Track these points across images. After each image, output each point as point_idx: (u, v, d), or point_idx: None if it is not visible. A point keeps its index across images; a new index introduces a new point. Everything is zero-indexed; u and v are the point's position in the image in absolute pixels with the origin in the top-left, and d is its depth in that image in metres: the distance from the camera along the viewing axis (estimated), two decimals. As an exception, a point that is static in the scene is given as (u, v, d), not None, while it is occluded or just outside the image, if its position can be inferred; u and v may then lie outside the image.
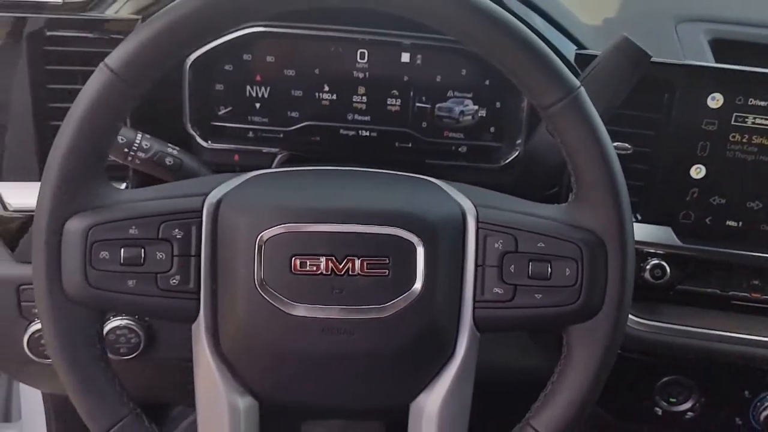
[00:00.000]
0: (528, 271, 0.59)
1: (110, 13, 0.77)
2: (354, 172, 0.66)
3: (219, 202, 0.59)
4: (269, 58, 0.82)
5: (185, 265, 0.58)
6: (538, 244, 0.58)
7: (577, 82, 0.60)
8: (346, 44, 0.81)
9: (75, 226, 0.56)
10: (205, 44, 0.77)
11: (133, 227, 0.56)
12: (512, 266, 0.59)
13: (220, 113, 0.84)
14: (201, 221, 0.58)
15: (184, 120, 0.82)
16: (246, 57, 0.82)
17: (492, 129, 0.87)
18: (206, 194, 0.59)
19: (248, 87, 0.83)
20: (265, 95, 0.84)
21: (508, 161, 0.86)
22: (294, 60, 0.82)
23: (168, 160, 0.73)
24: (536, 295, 0.59)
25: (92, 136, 0.56)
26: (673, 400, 0.87)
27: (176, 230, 0.57)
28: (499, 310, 0.60)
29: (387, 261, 0.57)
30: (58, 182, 0.55)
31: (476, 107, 0.85)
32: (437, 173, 0.68)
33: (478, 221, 0.59)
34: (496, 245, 0.58)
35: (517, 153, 0.86)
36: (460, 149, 0.88)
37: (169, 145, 0.75)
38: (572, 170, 0.58)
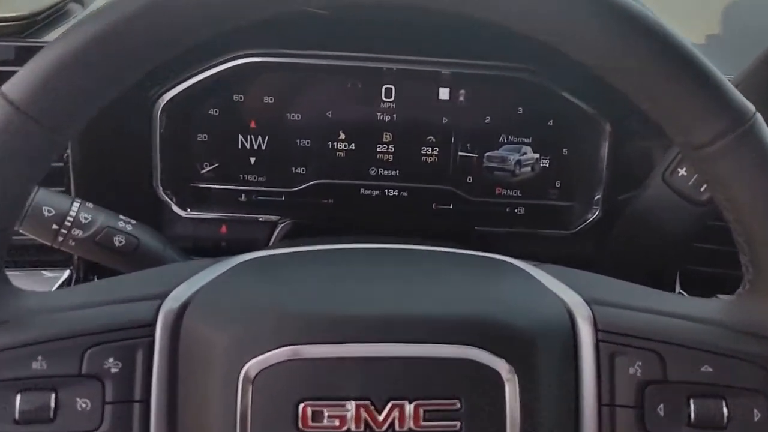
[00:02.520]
0: (689, 413, 0.38)
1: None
2: (390, 252, 0.48)
3: (183, 308, 0.40)
4: (267, 99, 0.68)
5: (124, 419, 0.37)
6: (702, 368, 0.39)
7: (752, 107, 0.39)
8: (367, 77, 0.68)
9: None
10: (177, 79, 0.64)
11: (39, 358, 0.36)
12: (661, 406, 0.38)
13: (203, 172, 0.70)
14: (153, 342, 0.38)
15: (155, 182, 0.67)
16: (237, 98, 0.68)
17: (558, 183, 0.72)
18: (164, 296, 0.40)
19: (240, 137, 0.69)
20: (263, 146, 0.70)
21: (582, 226, 0.70)
22: (299, 100, 0.68)
23: (118, 240, 0.52)
24: None
25: None
26: None
27: (110, 360, 0.37)
28: None
29: (458, 405, 0.37)
30: None
31: (537, 155, 0.71)
32: (488, 244, 0.57)
33: (596, 329, 0.40)
34: (632, 370, 0.39)
35: (595, 215, 0.70)
36: (516, 211, 0.73)
37: (122, 217, 0.57)
38: (744, 241, 0.39)
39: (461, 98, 0.69)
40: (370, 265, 0.46)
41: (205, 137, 0.69)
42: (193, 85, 0.65)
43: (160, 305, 0.40)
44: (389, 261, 0.47)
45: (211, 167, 0.70)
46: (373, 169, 0.71)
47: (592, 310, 0.41)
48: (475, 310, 0.40)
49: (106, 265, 0.58)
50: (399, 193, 0.72)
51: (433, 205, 0.72)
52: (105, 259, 0.56)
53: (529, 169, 0.72)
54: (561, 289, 0.43)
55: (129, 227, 0.57)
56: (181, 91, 0.65)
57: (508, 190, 0.72)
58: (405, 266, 0.47)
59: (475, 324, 0.39)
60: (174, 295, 0.41)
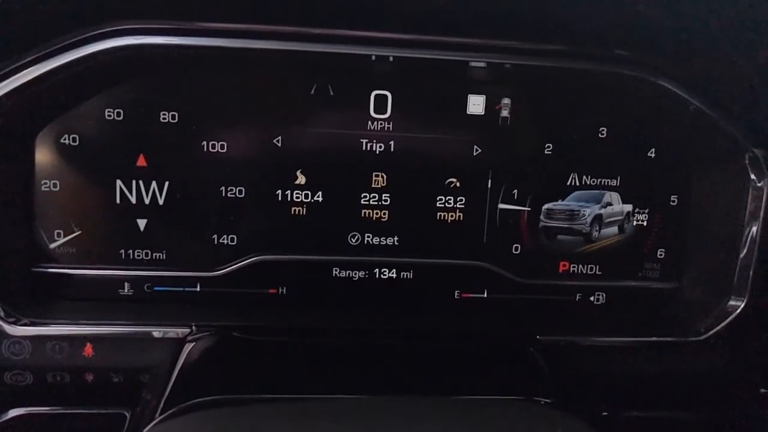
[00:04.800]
0: None
1: None
2: None
3: None
4: (165, 116, 0.48)
5: None
6: None
7: None
8: (345, 73, 0.49)
9: None
10: None
11: None
12: None
13: (53, 246, 0.49)
14: None
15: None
16: (110, 114, 0.48)
17: (661, 253, 0.55)
18: None
19: (119, 183, 0.49)
20: (159, 199, 0.49)
21: (717, 330, 0.50)
22: (224, 116, 0.49)
23: None
24: None
25: None
26: None
27: None
28: None
29: None
30: None
31: (628, 207, 0.54)
32: (559, 361, 0.43)
33: None
34: None
35: (741, 305, 0.49)
36: (593, 299, 0.54)
37: None
38: None
39: (504, 112, 0.51)
40: None
41: (54, 185, 0.49)
42: (21, 88, 0.44)
43: None
44: None
45: (68, 237, 0.49)
46: (355, 236, 0.52)
47: None
48: None
49: None
50: (399, 274, 0.53)
51: (456, 293, 0.53)
52: None
53: (614, 229, 0.54)
54: None
55: None
56: None
57: (581, 266, 0.54)
58: None
59: None
60: None
